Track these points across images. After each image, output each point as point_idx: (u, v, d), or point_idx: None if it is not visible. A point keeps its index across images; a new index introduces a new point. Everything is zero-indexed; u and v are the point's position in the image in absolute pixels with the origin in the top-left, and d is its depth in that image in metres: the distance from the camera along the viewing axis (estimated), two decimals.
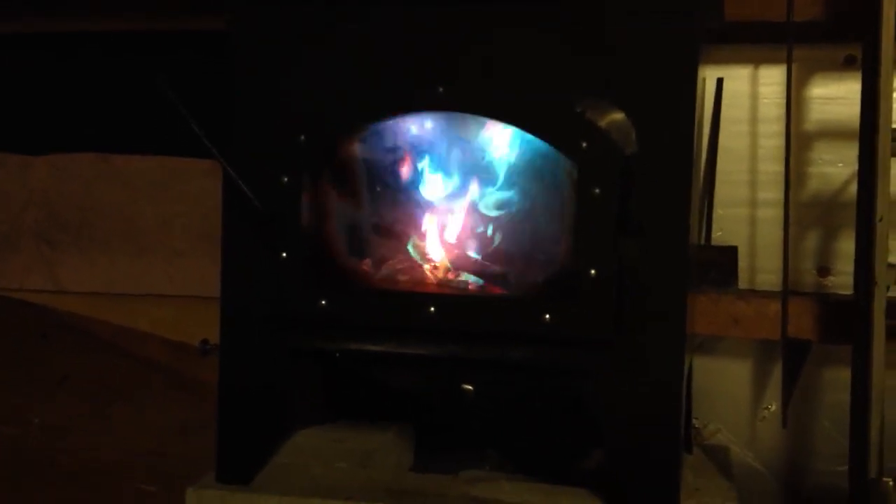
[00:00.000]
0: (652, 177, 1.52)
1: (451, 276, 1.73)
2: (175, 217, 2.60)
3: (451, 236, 1.78)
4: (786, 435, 2.07)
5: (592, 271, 1.52)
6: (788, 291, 1.88)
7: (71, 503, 2.05)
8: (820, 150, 2.05)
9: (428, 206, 1.78)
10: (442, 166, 1.78)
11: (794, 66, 1.88)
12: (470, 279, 1.72)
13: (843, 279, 2.01)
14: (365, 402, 1.90)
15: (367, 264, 1.76)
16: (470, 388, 1.66)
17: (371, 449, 1.78)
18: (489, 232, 1.79)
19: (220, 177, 1.66)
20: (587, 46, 1.55)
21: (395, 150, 1.79)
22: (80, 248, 2.66)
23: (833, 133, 2.04)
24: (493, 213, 1.79)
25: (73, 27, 2.48)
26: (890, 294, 1.69)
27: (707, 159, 2.05)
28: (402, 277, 1.73)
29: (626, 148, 1.52)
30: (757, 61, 2.08)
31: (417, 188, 1.78)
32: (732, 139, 2.08)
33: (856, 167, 1.78)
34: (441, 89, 1.58)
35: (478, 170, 1.77)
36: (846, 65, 2.03)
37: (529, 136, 1.64)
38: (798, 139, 2.03)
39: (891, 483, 1.62)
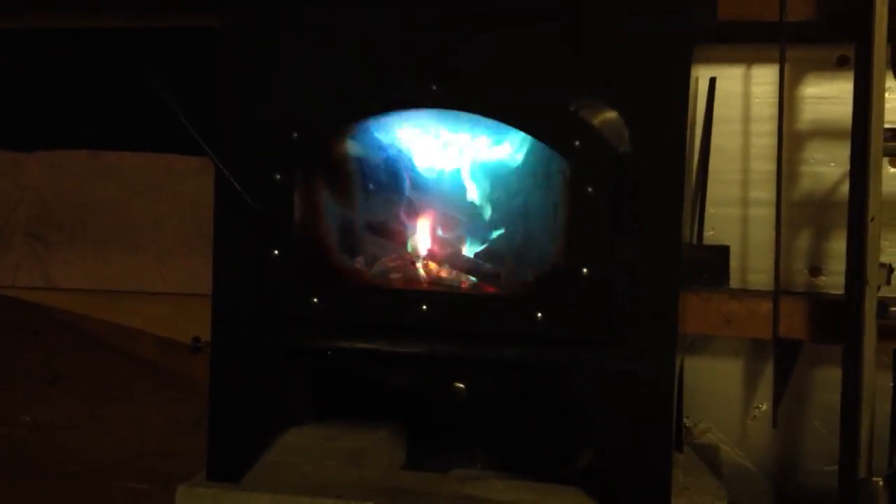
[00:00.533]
0: (644, 176, 1.52)
1: (443, 274, 1.73)
2: (168, 214, 2.59)
3: (444, 234, 1.78)
4: (776, 434, 2.07)
5: (585, 270, 1.53)
6: (780, 291, 1.88)
7: (62, 501, 2.05)
8: (812, 149, 2.06)
9: (421, 204, 1.78)
10: (435, 164, 1.79)
11: (786, 66, 1.88)
12: (463, 277, 1.72)
13: (834, 279, 2.01)
14: (356, 401, 1.89)
15: (359, 262, 1.76)
16: (462, 386, 1.66)
17: (362, 447, 1.78)
18: (482, 230, 1.79)
19: (213, 174, 1.65)
20: (580, 45, 1.55)
21: (387, 148, 1.79)
22: (72, 246, 2.65)
23: (825, 133, 2.04)
24: (487, 212, 1.79)
25: (66, 23, 2.47)
26: (881, 294, 1.69)
27: (699, 158, 2.06)
28: (394, 275, 1.73)
29: (619, 147, 1.52)
30: (750, 61, 2.08)
31: (410, 186, 1.78)
32: (725, 138, 2.08)
33: (848, 167, 1.78)
34: (435, 87, 1.58)
35: (471, 168, 1.77)
36: (839, 65, 2.03)
37: (523, 135, 1.65)
38: (790, 139, 2.03)
39: (880, 483, 1.62)
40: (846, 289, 1.77)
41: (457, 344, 1.61)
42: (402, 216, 1.79)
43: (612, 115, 1.53)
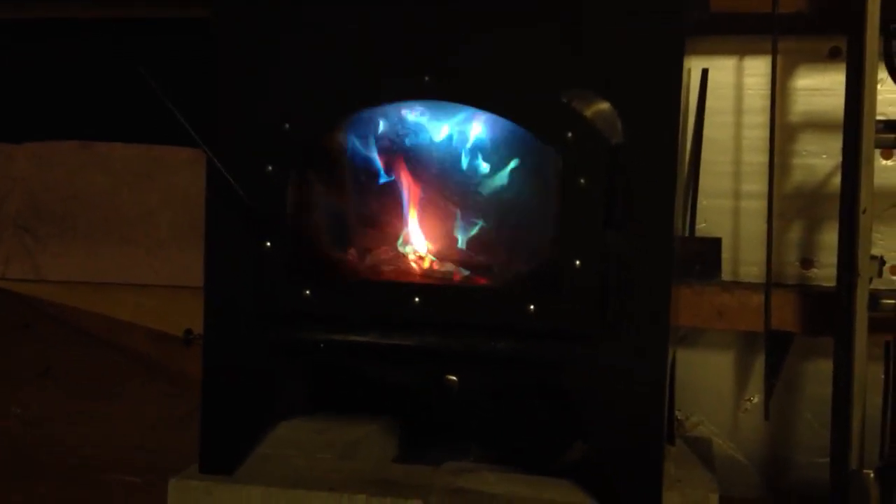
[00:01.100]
0: (637, 168, 1.52)
1: (435, 266, 1.73)
2: (159, 206, 2.58)
3: (437, 227, 1.78)
4: (768, 427, 2.07)
5: (577, 262, 1.52)
6: (772, 283, 1.88)
7: (54, 495, 2.04)
8: (804, 141, 2.06)
9: (413, 196, 1.78)
10: (427, 156, 1.78)
11: (779, 58, 1.88)
12: (455, 270, 1.72)
13: (826, 271, 2.02)
14: (349, 394, 1.89)
15: (351, 255, 1.76)
16: (454, 379, 1.65)
17: (354, 440, 1.78)
18: (475, 223, 1.78)
19: (205, 166, 1.65)
20: (572, 37, 1.55)
21: (380, 140, 1.78)
22: (63, 238, 2.64)
23: (817, 125, 2.04)
24: (479, 204, 1.79)
25: (55, 14, 2.45)
26: (872, 286, 1.70)
27: (692, 150, 2.06)
28: (386, 268, 1.73)
29: (612, 138, 1.52)
30: (742, 52, 2.08)
31: (402, 179, 1.78)
32: (717, 130, 2.08)
33: (840, 159, 1.78)
34: (427, 78, 1.58)
35: (463, 160, 1.76)
36: (831, 56, 2.03)
37: (516, 126, 1.64)
38: (782, 130, 2.03)
39: (872, 475, 1.63)
40: (838, 281, 1.77)
41: (449, 337, 1.60)
42: (395, 209, 1.78)
43: (604, 106, 1.52)
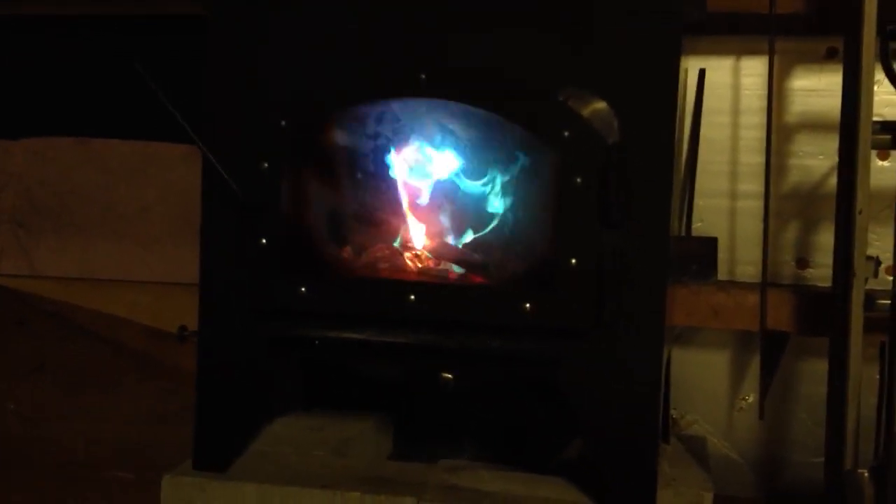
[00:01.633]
0: (633, 167, 1.52)
1: (431, 264, 1.73)
2: (154, 202, 2.58)
3: (432, 224, 1.78)
4: (763, 426, 2.08)
5: (573, 261, 1.52)
6: (767, 283, 1.89)
7: (48, 489, 2.04)
8: (801, 142, 2.06)
9: (409, 194, 1.78)
10: (423, 154, 1.78)
11: (776, 58, 1.88)
12: (451, 268, 1.72)
13: (822, 271, 2.02)
14: (344, 391, 1.89)
15: (347, 252, 1.75)
16: (450, 376, 1.65)
17: (349, 437, 1.78)
18: (471, 220, 1.78)
19: (200, 162, 1.64)
20: (569, 35, 1.55)
21: (376, 137, 1.78)
22: (58, 234, 2.64)
23: (814, 125, 2.04)
24: (475, 202, 1.79)
25: (50, 10, 2.45)
26: (868, 286, 1.70)
27: (688, 150, 2.06)
28: (382, 265, 1.72)
29: (608, 137, 1.52)
30: (739, 53, 2.08)
31: (398, 176, 1.78)
32: (714, 130, 2.09)
33: (836, 160, 1.78)
34: (423, 76, 1.58)
35: (460, 158, 1.76)
36: (828, 57, 2.03)
37: (512, 125, 1.64)
38: (779, 131, 2.03)
39: (866, 475, 1.63)
40: (833, 281, 1.78)
41: (445, 334, 1.60)
42: (391, 206, 1.78)
43: (601, 105, 1.52)
